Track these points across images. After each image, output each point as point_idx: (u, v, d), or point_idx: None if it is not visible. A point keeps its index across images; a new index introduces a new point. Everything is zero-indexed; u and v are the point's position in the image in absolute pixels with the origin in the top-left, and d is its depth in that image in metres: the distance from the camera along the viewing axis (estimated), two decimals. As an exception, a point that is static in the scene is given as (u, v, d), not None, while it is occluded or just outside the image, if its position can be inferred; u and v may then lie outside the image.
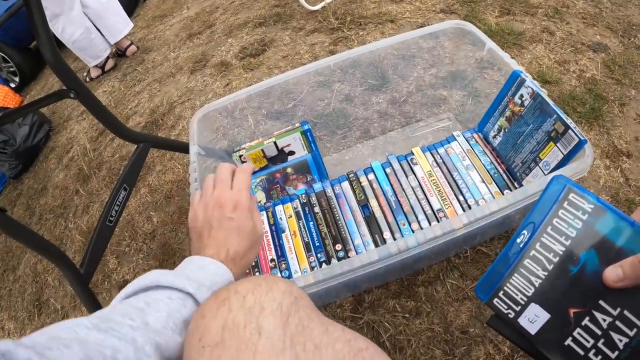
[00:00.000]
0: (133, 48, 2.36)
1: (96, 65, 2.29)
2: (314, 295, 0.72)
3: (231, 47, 2.05)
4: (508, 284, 0.46)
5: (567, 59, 1.47)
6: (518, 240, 0.47)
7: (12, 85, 2.83)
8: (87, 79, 2.35)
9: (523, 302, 0.44)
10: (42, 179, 1.84)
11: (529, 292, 0.44)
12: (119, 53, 2.37)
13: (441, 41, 1.17)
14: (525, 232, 0.47)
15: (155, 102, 1.92)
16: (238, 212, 0.55)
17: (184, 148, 1.28)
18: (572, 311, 0.41)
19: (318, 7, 2.02)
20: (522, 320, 0.44)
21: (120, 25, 2.26)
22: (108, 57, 2.30)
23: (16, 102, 2.49)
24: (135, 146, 1.16)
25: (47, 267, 1.44)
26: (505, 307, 0.45)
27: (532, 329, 0.43)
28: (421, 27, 1.73)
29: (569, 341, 0.41)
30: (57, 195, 1.69)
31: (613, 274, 0.39)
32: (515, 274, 0.46)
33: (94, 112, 1.08)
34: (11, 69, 2.80)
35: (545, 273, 0.44)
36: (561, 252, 0.44)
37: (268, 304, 0.37)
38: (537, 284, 0.44)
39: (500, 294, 0.46)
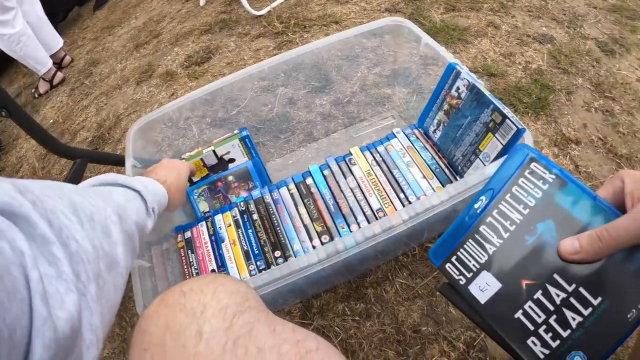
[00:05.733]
0: (68, 59, 2.43)
1: (44, 79, 2.23)
2: (258, 303, 0.70)
3: (177, 56, 2.02)
4: (462, 250, 0.45)
5: (513, 52, 1.48)
6: (475, 206, 0.46)
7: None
8: (36, 95, 2.27)
9: (475, 269, 0.43)
10: (-8, 200, 1.75)
11: (481, 260, 0.43)
12: (56, 66, 2.36)
13: (385, 40, 1.14)
14: (483, 197, 0.46)
15: (102, 115, 1.87)
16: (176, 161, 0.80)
17: (121, 161, 1.24)
18: (524, 282, 0.40)
19: (263, 11, 2.01)
20: (473, 288, 0.43)
21: (55, 37, 2.33)
22: (56, 71, 2.25)
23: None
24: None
25: None
26: (457, 273, 0.44)
27: (482, 298, 0.42)
28: (365, 26, 1.74)
29: (519, 314, 0.40)
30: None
31: (569, 245, 0.38)
32: (470, 240, 0.45)
33: (28, 130, 1.05)
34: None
35: (500, 241, 0.43)
36: (518, 221, 0.43)
37: (212, 305, 0.36)
38: (491, 252, 0.43)
39: (453, 259, 0.45)
